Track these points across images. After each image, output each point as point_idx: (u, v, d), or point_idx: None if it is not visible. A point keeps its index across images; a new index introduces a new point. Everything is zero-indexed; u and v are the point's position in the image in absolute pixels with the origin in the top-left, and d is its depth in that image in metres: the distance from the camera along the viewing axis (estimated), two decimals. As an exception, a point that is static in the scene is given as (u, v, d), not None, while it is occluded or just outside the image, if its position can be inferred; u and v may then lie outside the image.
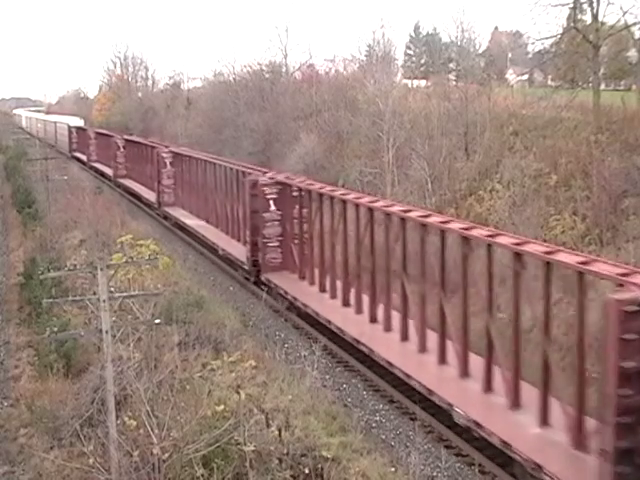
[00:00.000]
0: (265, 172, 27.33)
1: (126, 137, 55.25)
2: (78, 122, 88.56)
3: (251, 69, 54.71)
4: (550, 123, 30.27)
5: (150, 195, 42.70)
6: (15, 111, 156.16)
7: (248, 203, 25.72)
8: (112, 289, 12.56)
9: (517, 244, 13.98)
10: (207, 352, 17.36)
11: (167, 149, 40.45)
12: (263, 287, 24.40)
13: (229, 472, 11.44)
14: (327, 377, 18.05)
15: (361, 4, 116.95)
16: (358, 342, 18.48)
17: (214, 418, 12.30)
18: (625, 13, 29.48)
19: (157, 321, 14.46)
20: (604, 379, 10.89)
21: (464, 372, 15.48)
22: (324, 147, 39.02)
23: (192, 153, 38.60)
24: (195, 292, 22.93)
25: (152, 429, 11.07)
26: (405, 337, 18.03)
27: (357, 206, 20.44)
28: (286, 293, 22.93)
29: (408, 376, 16.17)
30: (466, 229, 15.65)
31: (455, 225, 16.35)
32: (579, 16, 31.32)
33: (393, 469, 13.33)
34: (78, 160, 69.91)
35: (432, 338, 16.82)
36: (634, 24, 30.54)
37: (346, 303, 20.96)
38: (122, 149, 52.62)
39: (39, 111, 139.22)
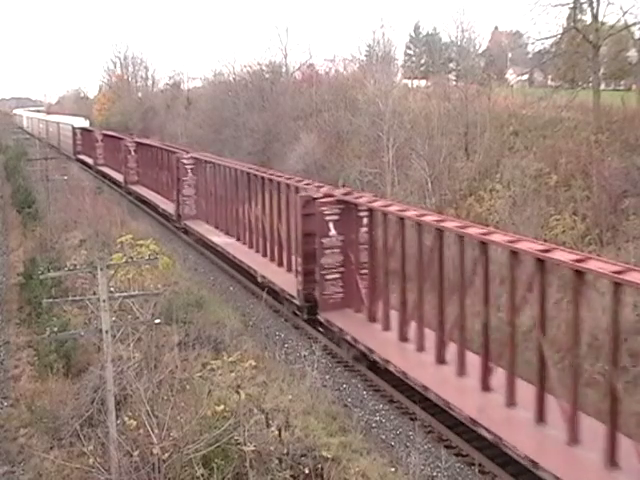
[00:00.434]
0: (319, 186, 22.81)
1: (138, 139, 51.91)
2: (83, 123, 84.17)
3: (251, 69, 54.69)
4: (550, 123, 30.29)
5: (168, 206, 38.26)
6: (15, 111, 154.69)
7: (300, 225, 21.19)
8: (112, 289, 12.55)
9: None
10: (207, 352, 17.36)
11: (188, 155, 36.33)
12: (320, 328, 20.69)
13: (229, 472, 11.44)
14: (327, 377, 18.04)
15: (361, 4, 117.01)
16: (475, 423, 13.88)
17: (214, 418, 12.30)
18: (625, 13, 29.55)
19: (157, 321, 14.46)
20: None
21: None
22: (324, 147, 39.00)
23: (219, 160, 34.17)
24: (195, 292, 22.93)
25: (152, 429, 11.07)
26: (541, 418, 13.33)
27: (461, 239, 15.39)
28: (355, 342, 18.32)
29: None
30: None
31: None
32: (579, 16, 31.37)
33: (393, 469, 13.34)
34: (83, 163, 67.65)
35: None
36: (634, 24, 30.60)
37: (441, 360, 16.22)
38: (133, 153, 48.86)
39: (39, 111, 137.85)
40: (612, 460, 11.69)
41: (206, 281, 27.63)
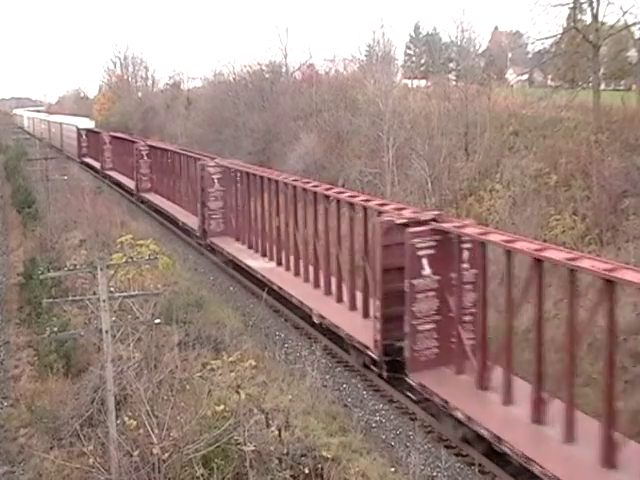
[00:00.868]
0: (400, 208, 18.46)
1: (151, 143, 47.66)
2: (88, 124, 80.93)
3: (251, 69, 54.68)
4: (550, 123, 30.27)
5: (189, 220, 34.25)
6: (15, 111, 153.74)
7: (379, 258, 16.87)
8: (112, 289, 12.56)
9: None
10: (207, 352, 17.37)
11: (214, 162, 32.08)
12: (409, 393, 16.51)
13: (229, 472, 11.45)
14: (327, 377, 18.05)
15: (361, 4, 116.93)
16: None
17: (214, 418, 12.31)
18: (625, 13, 29.47)
19: (157, 321, 14.48)
20: None
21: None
22: (324, 147, 38.98)
23: (254, 169, 29.44)
24: (195, 292, 22.93)
25: (152, 429, 11.07)
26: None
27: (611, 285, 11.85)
28: (469, 419, 13.96)
29: None
30: None
31: None
32: (579, 16, 31.31)
33: (393, 469, 13.34)
34: (88, 166, 64.79)
35: None
36: (634, 24, 30.54)
37: (611, 465, 11.72)
38: (146, 157, 44.80)
39: (39, 111, 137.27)
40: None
41: (206, 281, 27.63)
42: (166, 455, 10.96)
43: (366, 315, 19.25)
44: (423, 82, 47.97)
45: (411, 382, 15.86)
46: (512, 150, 30.48)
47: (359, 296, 19.99)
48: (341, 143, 39.18)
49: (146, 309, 14.53)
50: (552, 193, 25.85)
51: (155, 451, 10.93)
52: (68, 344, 16.90)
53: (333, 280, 21.74)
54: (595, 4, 29.29)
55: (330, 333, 19.96)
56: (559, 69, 35.67)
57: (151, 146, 45.82)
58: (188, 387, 13.88)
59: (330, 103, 42.85)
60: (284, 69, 54.71)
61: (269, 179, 26.56)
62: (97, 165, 60.61)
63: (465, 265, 15.52)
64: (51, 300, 15.32)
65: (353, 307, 20.28)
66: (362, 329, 18.29)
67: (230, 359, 13.72)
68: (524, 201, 25.77)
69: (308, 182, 24.52)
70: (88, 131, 70.85)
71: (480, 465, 13.74)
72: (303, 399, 15.16)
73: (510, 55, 53.28)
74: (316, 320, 20.63)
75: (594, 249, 21.91)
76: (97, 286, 11.47)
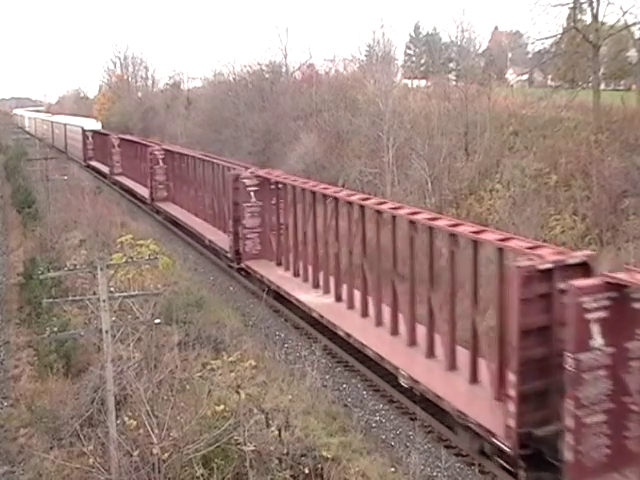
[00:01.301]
0: (536, 247, 13.45)
1: (167, 147, 42.85)
2: (94, 125, 75.38)
3: (251, 69, 54.81)
4: (550, 123, 30.32)
5: (218, 237, 29.51)
6: (16, 111, 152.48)
7: (518, 316, 12.02)
8: (112, 289, 12.56)
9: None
10: (207, 352, 17.35)
11: (250, 172, 26.76)
12: None
13: (229, 472, 11.45)
14: (327, 377, 18.03)
15: (361, 4, 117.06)
16: None
17: (214, 418, 12.31)
18: (625, 13, 29.63)
19: (157, 321, 14.48)
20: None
21: None
22: (324, 147, 39.02)
23: (303, 183, 23.95)
24: (195, 292, 22.92)
25: (152, 429, 11.07)
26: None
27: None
28: None
29: None
30: None
31: None
32: (579, 16, 31.44)
33: (393, 469, 13.34)
34: (94, 170, 61.06)
35: None
36: (634, 24, 30.68)
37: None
38: (162, 163, 40.35)
39: (39, 111, 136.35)
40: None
41: (206, 281, 27.61)
42: (166, 455, 10.96)
43: (474, 380, 14.80)
44: (423, 82, 48.04)
45: None
46: (512, 150, 30.53)
47: (463, 353, 15.30)
48: (341, 143, 39.24)
49: (146, 309, 14.53)
50: (552, 193, 25.90)
51: (155, 451, 10.94)
52: (68, 344, 16.88)
53: (419, 328, 16.86)
54: (595, 4, 29.42)
55: (426, 402, 15.29)
56: (559, 69, 35.75)
57: (168, 150, 41.21)
58: (188, 387, 13.87)
59: (330, 103, 42.92)
60: (284, 69, 54.85)
61: (324, 195, 21.71)
62: (105, 169, 56.86)
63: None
64: (51, 300, 15.32)
65: (453, 366, 15.47)
66: (470, 400, 14.20)
67: (230, 359, 13.73)
68: (524, 201, 25.81)
69: (384, 202, 19.51)
70: (95, 133, 66.80)
71: (480, 465, 13.73)
72: (303, 399, 15.15)
73: (510, 55, 53.36)
74: (405, 383, 15.77)
75: (594, 249, 21.92)
76: (97, 286, 11.47)
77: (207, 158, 34.55)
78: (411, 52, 62.54)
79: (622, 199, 23.28)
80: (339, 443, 13.60)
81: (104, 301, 11.25)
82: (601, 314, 11.28)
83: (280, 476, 11.74)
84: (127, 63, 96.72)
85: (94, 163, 62.56)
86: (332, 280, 21.12)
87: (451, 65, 48.03)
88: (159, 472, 10.98)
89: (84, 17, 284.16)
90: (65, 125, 77.04)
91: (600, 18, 29.72)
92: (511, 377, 12.38)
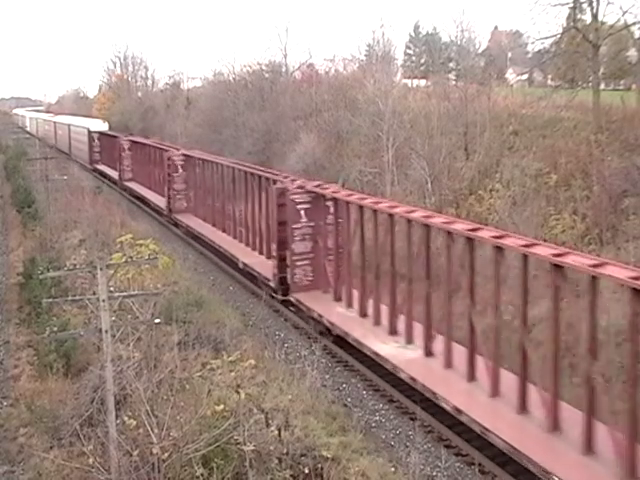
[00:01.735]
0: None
1: (187, 152, 37.94)
2: (101, 126, 71.14)
3: (251, 69, 54.75)
4: (550, 123, 30.31)
5: (255, 261, 25.79)
6: (16, 111, 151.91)
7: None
8: (112, 289, 12.58)
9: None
10: (207, 352, 17.37)
11: (297, 185, 22.57)
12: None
13: (229, 472, 11.44)
14: (327, 377, 18.04)
15: (361, 4, 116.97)
16: None
17: (214, 418, 12.30)
18: (625, 13, 29.56)
19: (157, 321, 14.49)
20: None
21: None
22: (324, 147, 38.99)
23: (375, 203, 19.17)
24: (195, 292, 22.92)
25: (152, 429, 11.07)
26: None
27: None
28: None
29: None
30: None
31: None
32: (579, 16, 31.38)
33: (393, 469, 13.34)
34: (102, 174, 57.90)
35: None
36: (634, 24, 30.61)
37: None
38: (181, 170, 36.68)
39: (38, 111, 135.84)
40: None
41: (206, 281, 27.61)
42: (166, 455, 10.96)
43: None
44: (423, 82, 48.02)
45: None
46: (512, 150, 30.50)
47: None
48: (341, 143, 39.20)
49: (146, 309, 14.55)
50: (552, 193, 25.86)
51: (155, 451, 10.94)
52: (68, 344, 16.88)
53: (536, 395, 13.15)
54: (595, 4, 29.37)
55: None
56: (559, 69, 35.73)
57: (188, 156, 37.00)
58: (188, 387, 13.88)
59: (330, 103, 42.88)
60: (284, 69, 54.80)
61: (409, 220, 16.99)
62: (114, 174, 52.74)
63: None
64: (51, 300, 15.34)
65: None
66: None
67: (230, 359, 13.74)
68: (524, 201, 25.78)
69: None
70: (101, 134, 62.85)
71: (480, 465, 13.73)
72: (303, 399, 15.14)
73: (510, 55, 53.32)
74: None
75: (594, 249, 21.91)
76: (97, 286, 11.48)
77: (239, 166, 30.47)
78: (411, 52, 62.55)
79: (622, 199, 23.25)
80: (339, 443, 13.61)
81: (104, 301, 11.25)
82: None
83: (280, 476, 11.74)
84: (127, 63, 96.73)
85: (101, 167, 59.32)
86: (418, 327, 16.88)
87: (451, 65, 48.01)
88: (159, 472, 10.98)
89: (84, 17, 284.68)
90: (69, 126, 73.27)
91: (600, 18, 29.70)
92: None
